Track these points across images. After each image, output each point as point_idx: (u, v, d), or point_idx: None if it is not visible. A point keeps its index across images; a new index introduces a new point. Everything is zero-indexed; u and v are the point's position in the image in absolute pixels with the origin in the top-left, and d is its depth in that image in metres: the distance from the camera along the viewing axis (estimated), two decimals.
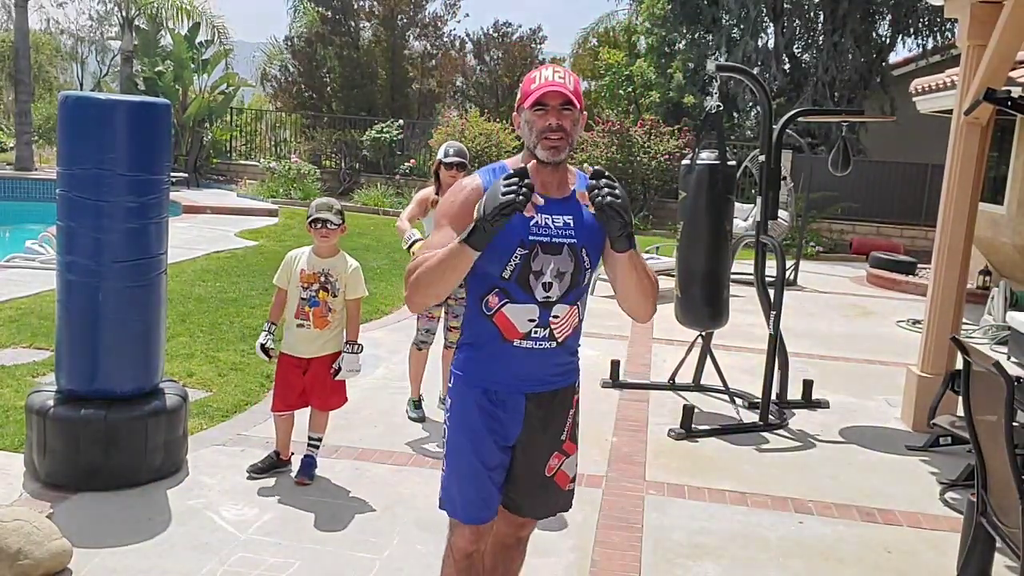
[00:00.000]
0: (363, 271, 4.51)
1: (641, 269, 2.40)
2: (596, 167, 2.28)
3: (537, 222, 2.41)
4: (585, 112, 2.44)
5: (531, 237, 2.39)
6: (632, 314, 2.54)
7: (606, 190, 2.24)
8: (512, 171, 2.23)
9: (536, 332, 2.46)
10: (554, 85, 2.34)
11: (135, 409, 4.18)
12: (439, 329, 5.49)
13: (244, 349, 6.65)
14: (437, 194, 5.24)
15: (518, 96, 2.45)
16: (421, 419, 5.43)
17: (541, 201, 2.27)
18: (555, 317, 2.46)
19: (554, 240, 2.41)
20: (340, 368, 4.33)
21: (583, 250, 2.44)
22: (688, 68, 18.49)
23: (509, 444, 2.58)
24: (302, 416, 4.53)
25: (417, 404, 5.50)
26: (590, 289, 2.63)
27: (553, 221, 2.43)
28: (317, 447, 4.49)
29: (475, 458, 2.56)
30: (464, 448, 2.58)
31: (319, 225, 4.24)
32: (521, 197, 2.18)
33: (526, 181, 2.20)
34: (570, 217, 2.44)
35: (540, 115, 2.36)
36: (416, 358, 5.50)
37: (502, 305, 2.43)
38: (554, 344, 2.49)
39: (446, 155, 5.23)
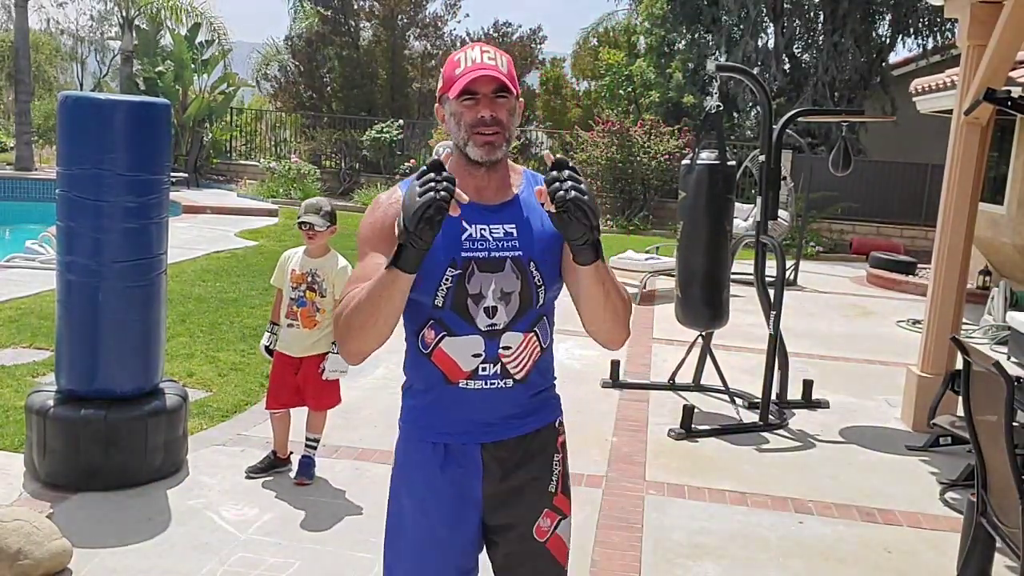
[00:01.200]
0: None
1: (610, 284, 1.93)
2: (558, 156, 1.83)
3: (471, 235, 1.97)
4: (522, 100, 2.03)
5: (464, 253, 1.96)
6: (601, 340, 2.04)
7: (569, 183, 1.77)
8: (425, 166, 1.79)
9: (484, 369, 2.00)
10: (484, 68, 1.92)
11: (135, 409, 4.18)
12: None
13: (244, 349, 6.65)
14: None
15: (439, 83, 2.02)
16: None
17: (465, 199, 1.78)
18: (506, 349, 2.00)
19: (493, 255, 1.97)
20: (325, 368, 4.34)
21: (531, 264, 2.00)
22: (688, 68, 18.50)
23: (476, 510, 2.08)
24: (300, 416, 4.53)
25: None
26: (554, 311, 2.12)
27: (491, 232, 1.99)
28: (315, 447, 4.49)
29: (427, 533, 2.09)
30: (413, 523, 2.12)
31: (305, 227, 4.26)
32: (443, 193, 1.74)
33: (443, 174, 1.77)
34: (512, 226, 2.01)
35: (469, 106, 1.94)
36: None
37: (439, 340, 1.99)
38: (510, 382, 2.03)
39: (438, 155, 5.20)
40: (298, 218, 4.31)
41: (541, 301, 2.02)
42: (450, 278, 1.95)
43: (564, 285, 2.08)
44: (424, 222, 1.73)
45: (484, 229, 1.99)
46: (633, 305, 2.18)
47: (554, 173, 1.80)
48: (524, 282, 1.99)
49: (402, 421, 2.15)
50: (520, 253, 1.99)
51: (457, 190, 1.77)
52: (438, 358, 2.00)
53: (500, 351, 2.00)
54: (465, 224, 1.98)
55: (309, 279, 4.30)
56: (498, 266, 1.98)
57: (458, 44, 22.98)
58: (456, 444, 2.05)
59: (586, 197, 1.78)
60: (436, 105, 2.07)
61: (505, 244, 1.99)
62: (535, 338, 2.04)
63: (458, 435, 2.05)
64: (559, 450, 2.17)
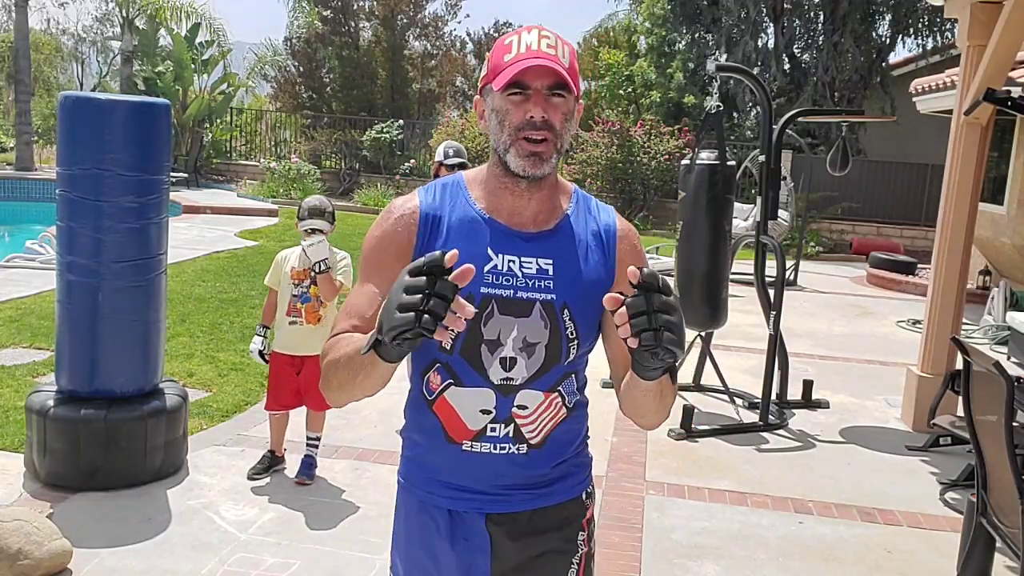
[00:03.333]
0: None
1: (668, 393, 1.58)
2: (646, 272, 1.35)
3: (496, 267, 1.62)
4: (582, 102, 1.67)
5: (484, 289, 1.60)
6: (638, 424, 1.72)
7: (662, 318, 1.34)
8: (424, 259, 1.31)
9: (494, 429, 1.67)
10: (540, 57, 1.55)
11: (135, 409, 4.18)
12: None
13: (244, 349, 6.65)
14: None
15: (482, 70, 1.66)
16: None
17: (471, 312, 1.32)
18: (521, 409, 1.66)
19: (519, 295, 1.62)
20: (315, 263, 4.20)
21: (565, 311, 1.63)
22: (688, 68, 18.50)
23: None
24: (300, 416, 4.53)
25: None
26: (585, 367, 1.77)
27: (522, 266, 1.63)
28: (316, 446, 4.49)
29: None
30: None
31: (312, 232, 4.24)
32: (427, 317, 1.29)
33: (440, 283, 1.30)
34: (548, 261, 1.64)
35: (517, 102, 1.57)
36: None
37: (445, 388, 1.67)
38: (523, 448, 1.68)
39: (446, 156, 5.18)
40: (299, 219, 4.30)
41: (571, 357, 1.67)
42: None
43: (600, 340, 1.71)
44: (400, 340, 1.32)
45: (513, 262, 1.63)
46: None
47: (640, 300, 1.34)
48: (553, 332, 1.63)
49: (400, 476, 1.82)
50: (553, 297, 1.63)
51: (457, 299, 1.30)
52: (441, 409, 1.68)
53: (514, 410, 1.66)
54: (491, 253, 1.63)
55: (312, 274, 4.26)
56: (524, 309, 1.62)
57: (458, 44, 22.96)
58: (457, 511, 1.73)
59: (678, 334, 1.36)
60: (476, 97, 1.69)
61: (537, 283, 1.63)
62: (558, 399, 1.69)
63: (459, 501, 1.72)
64: (584, 527, 1.79)
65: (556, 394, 1.69)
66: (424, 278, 1.30)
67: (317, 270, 4.18)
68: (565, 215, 1.70)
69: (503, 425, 1.67)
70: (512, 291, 1.62)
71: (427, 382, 1.70)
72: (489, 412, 1.66)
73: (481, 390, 1.65)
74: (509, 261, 1.63)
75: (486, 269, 1.62)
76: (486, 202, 1.67)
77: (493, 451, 1.68)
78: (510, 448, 1.68)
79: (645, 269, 1.36)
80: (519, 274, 1.63)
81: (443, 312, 1.29)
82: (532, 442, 1.69)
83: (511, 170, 1.61)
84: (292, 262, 4.35)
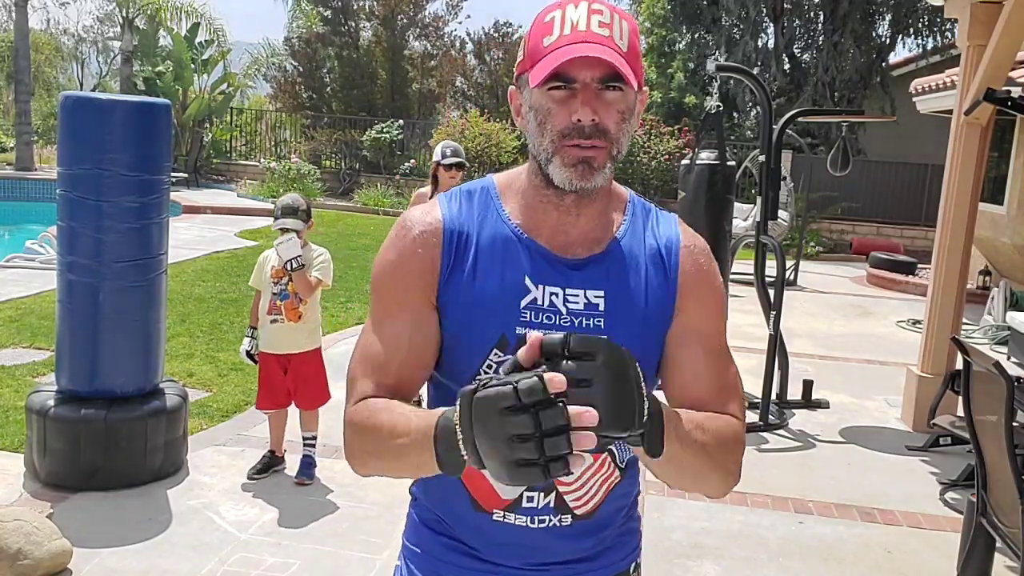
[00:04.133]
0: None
1: (692, 456, 1.25)
2: (545, 337, 1.07)
3: (536, 300, 1.32)
4: (646, 89, 1.34)
5: (520, 329, 1.30)
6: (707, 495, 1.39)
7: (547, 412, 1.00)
8: (520, 391, 0.99)
9: (531, 499, 1.37)
10: (590, 41, 1.22)
11: (135, 409, 4.18)
12: None
13: None
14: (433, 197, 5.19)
15: (519, 55, 1.33)
16: None
17: (593, 418, 1.00)
18: (566, 475, 1.21)
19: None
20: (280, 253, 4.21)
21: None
22: (688, 68, 18.50)
23: None
24: (297, 416, 4.54)
25: None
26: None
27: (567, 299, 1.33)
28: (313, 446, 4.50)
29: None
30: None
31: (283, 231, 4.26)
32: (555, 465, 1.00)
33: (548, 416, 0.99)
34: (599, 293, 1.34)
35: (561, 99, 1.25)
36: None
37: None
38: (568, 519, 1.39)
39: (443, 156, 5.14)
40: (274, 219, 4.33)
41: None
42: (494, 365, 1.31)
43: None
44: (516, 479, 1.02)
45: (556, 295, 1.33)
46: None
47: (510, 385, 1.00)
48: None
49: (406, 540, 1.51)
50: (607, 335, 1.27)
51: (578, 443, 0.99)
52: (468, 475, 1.27)
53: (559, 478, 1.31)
54: (530, 283, 1.32)
55: (294, 264, 4.25)
56: None
57: (458, 44, 22.90)
58: None
59: (598, 391, 1.04)
60: (511, 88, 1.37)
61: (585, 322, 1.33)
62: (609, 460, 1.40)
63: (488, 574, 1.43)
64: None
65: (606, 454, 1.39)
66: (526, 416, 0.98)
67: (290, 268, 4.20)
68: (619, 232, 1.38)
69: (543, 494, 1.37)
70: (554, 331, 1.25)
71: None
72: None
73: None
74: (551, 294, 1.33)
75: (523, 304, 1.32)
76: (523, 218, 1.36)
77: (530, 525, 1.38)
78: (550, 520, 1.38)
79: (545, 336, 1.05)
80: (563, 310, 1.32)
81: (567, 447, 0.99)
82: (578, 512, 1.39)
83: (554, 183, 1.29)
84: (272, 261, 4.38)
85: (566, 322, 1.32)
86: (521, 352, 1.08)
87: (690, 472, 1.28)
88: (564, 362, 1.03)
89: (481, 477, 1.28)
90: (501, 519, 1.39)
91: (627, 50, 1.25)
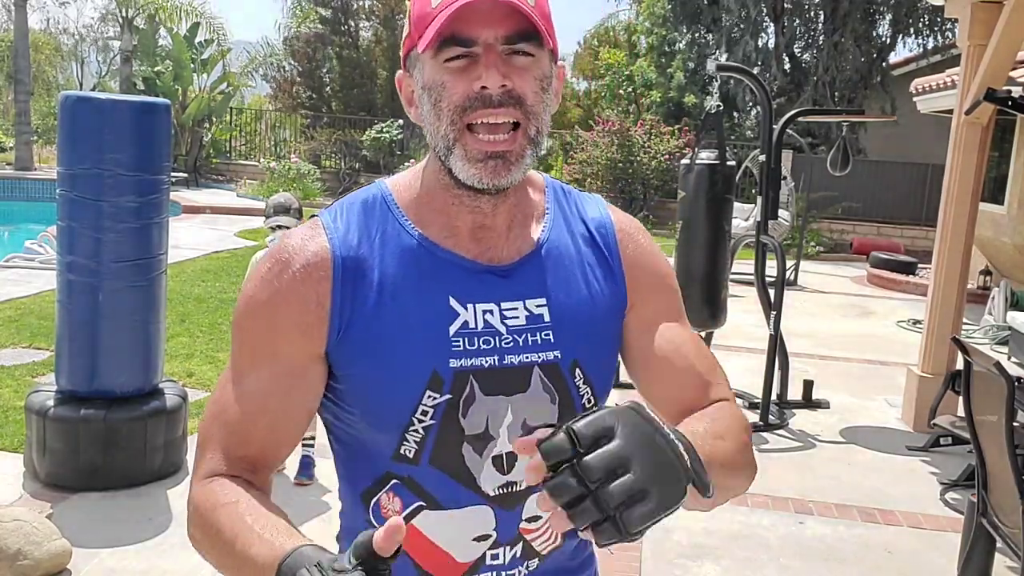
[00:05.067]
0: None
1: (729, 474, 1.07)
2: (546, 444, 0.82)
3: (467, 324, 1.10)
4: (563, 63, 1.13)
5: (455, 361, 1.09)
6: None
7: (612, 490, 0.80)
8: (352, 550, 0.85)
9: (496, 556, 1.16)
10: None
11: (135, 409, 4.18)
12: None
13: None
14: None
15: (405, 30, 1.10)
16: None
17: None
18: (532, 520, 1.16)
19: (508, 360, 1.11)
20: None
21: (577, 371, 1.14)
22: (688, 68, 18.50)
23: None
24: None
25: None
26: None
27: (504, 316, 1.11)
28: (312, 445, 4.49)
29: None
30: None
31: (279, 229, 4.27)
32: None
33: None
34: (540, 301, 1.13)
35: (458, 69, 1.03)
36: None
37: (413, 514, 1.13)
38: (534, 563, 1.19)
39: None
40: (266, 218, 4.34)
41: None
42: (430, 411, 1.08)
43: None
44: None
45: (490, 312, 1.11)
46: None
47: (566, 477, 0.81)
48: (565, 405, 1.13)
49: None
50: (557, 354, 1.12)
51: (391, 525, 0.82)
52: (411, 543, 1.12)
53: (523, 526, 1.16)
54: (456, 305, 1.10)
55: None
56: (518, 381, 1.11)
57: None
58: None
59: (648, 503, 0.81)
60: (399, 74, 1.13)
61: (530, 339, 1.11)
62: None
63: None
64: None
65: None
66: None
67: None
68: (545, 223, 1.16)
69: (508, 547, 1.16)
70: (497, 357, 1.09)
71: (376, 507, 1.15)
72: (488, 536, 1.14)
73: (472, 509, 1.12)
74: (485, 312, 1.10)
75: (453, 332, 1.09)
76: (431, 226, 1.11)
77: None
78: (519, 571, 1.18)
79: (545, 439, 0.82)
80: (502, 329, 1.10)
81: None
82: (547, 551, 1.20)
83: (463, 182, 1.06)
84: None
85: (508, 344, 1.10)
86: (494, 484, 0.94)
87: (729, 487, 1.08)
88: (583, 460, 0.80)
89: (431, 547, 1.13)
90: None
91: (534, 5, 1.01)
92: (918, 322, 8.75)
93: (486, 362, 1.09)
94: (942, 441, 5.45)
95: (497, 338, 1.10)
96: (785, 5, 18.23)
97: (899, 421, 6.07)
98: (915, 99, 12.01)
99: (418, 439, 1.09)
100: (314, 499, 4.22)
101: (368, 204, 1.13)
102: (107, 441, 4.10)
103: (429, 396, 1.08)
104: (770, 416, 5.71)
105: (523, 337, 1.11)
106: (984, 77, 5.36)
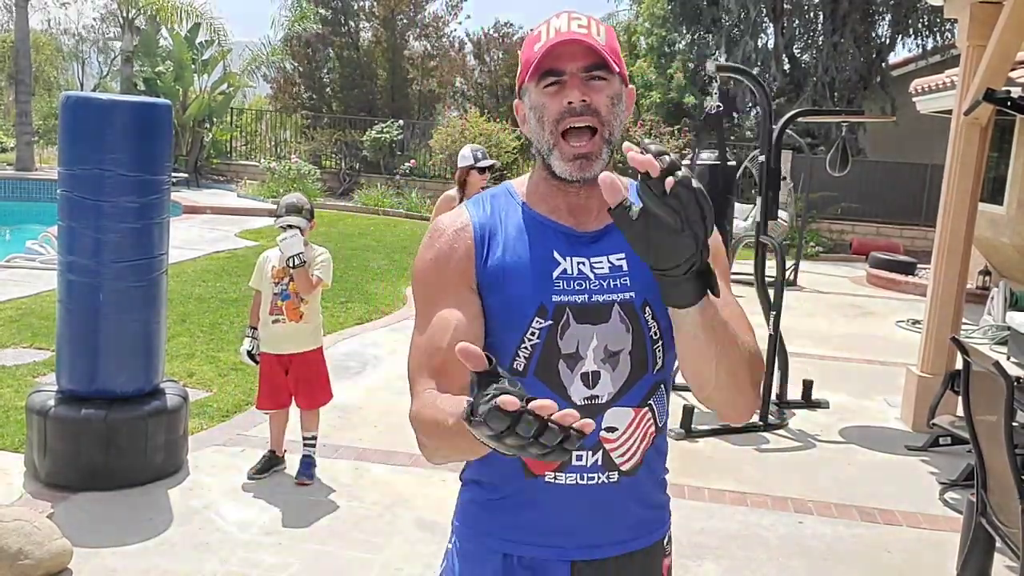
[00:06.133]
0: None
1: (723, 332, 1.34)
2: (648, 143, 1.20)
3: (566, 271, 1.47)
4: (632, 87, 1.51)
5: (556, 297, 1.45)
6: (718, 410, 1.47)
7: (679, 174, 1.17)
8: (500, 401, 1.06)
9: (580, 458, 1.48)
10: (571, 35, 1.40)
11: (135, 409, 4.19)
12: None
13: None
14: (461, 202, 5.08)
15: (519, 72, 1.50)
16: None
17: (591, 424, 1.08)
18: (610, 431, 1.48)
19: (595, 298, 1.46)
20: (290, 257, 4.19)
21: (647, 309, 1.47)
22: (688, 68, 18.51)
23: None
24: (296, 416, 4.54)
25: None
26: (673, 375, 1.59)
27: (593, 267, 1.47)
28: (313, 445, 4.50)
29: None
30: None
31: (288, 228, 4.26)
32: (557, 450, 1.07)
33: (522, 421, 1.06)
34: (620, 256, 1.48)
35: (553, 92, 1.42)
36: None
37: None
38: (615, 475, 1.50)
39: (476, 159, 4.98)
40: (277, 216, 4.34)
41: (660, 363, 1.50)
42: (536, 332, 1.44)
43: None
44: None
45: (583, 264, 1.47)
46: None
47: (645, 158, 1.17)
48: (637, 336, 1.47)
49: (457, 521, 1.61)
50: (632, 295, 1.47)
51: (582, 423, 1.07)
52: None
53: (602, 434, 1.48)
54: (558, 256, 1.48)
55: (292, 272, 4.26)
56: (602, 314, 1.46)
57: (457, 45, 22.92)
58: (538, 558, 1.52)
59: (696, 195, 1.17)
60: (515, 102, 1.54)
61: (612, 283, 1.47)
62: (649, 415, 1.52)
63: (541, 546, 1.51)
64: None
65: (647, 409, 1.51)
66: (509, 436, 1.06)
67: (292, 264, 4.20)
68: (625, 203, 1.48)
69: (591, 452, 1.48)
70: (587, 295, 1.46)
71: None
72: None
73: None
74: (579, 264, 1.47)
75: (555, 275, 1.46)
76: (542, 205, 1.52)
77: (580, 482, 1.49)
78: (599, 477, 1.49)
79: (649, 142, 1.20)
80: (591, 276, 1.46)
81: (561, 436, 1.06)
82: (625, 469, 1.50)
83: (558, 176, 1.45)
84: (273, 262, 4.39)
85: (595, 286, 1.47)
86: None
87: (726, 365, 1.34)
88: (666, 158, 1.18)
89: None
90: (552, 480, 1.49)
91: (605, 44, 1.42)
92: (917, 322, 8.75)
93: (579, 299, 1.46)
94: (941, 441, 5.45)
95: (587, 282, 1.47)
96: (785, 6, 18.23)
97: (898, 421, 6.07)
98: (915, 99, 12.02)
99: (527, 354, 1.45)
100: (315, 499, 4.22)
101: (496, 195, 1.58)
102: (108, 441, 4.10)
103: (537, 321, 1.45)
104: (770, 416, 5.72)
105: (607, 282, 1.47)
106: (983, 77, 5.37)
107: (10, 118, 22.69)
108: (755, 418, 5.78)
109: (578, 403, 1.45)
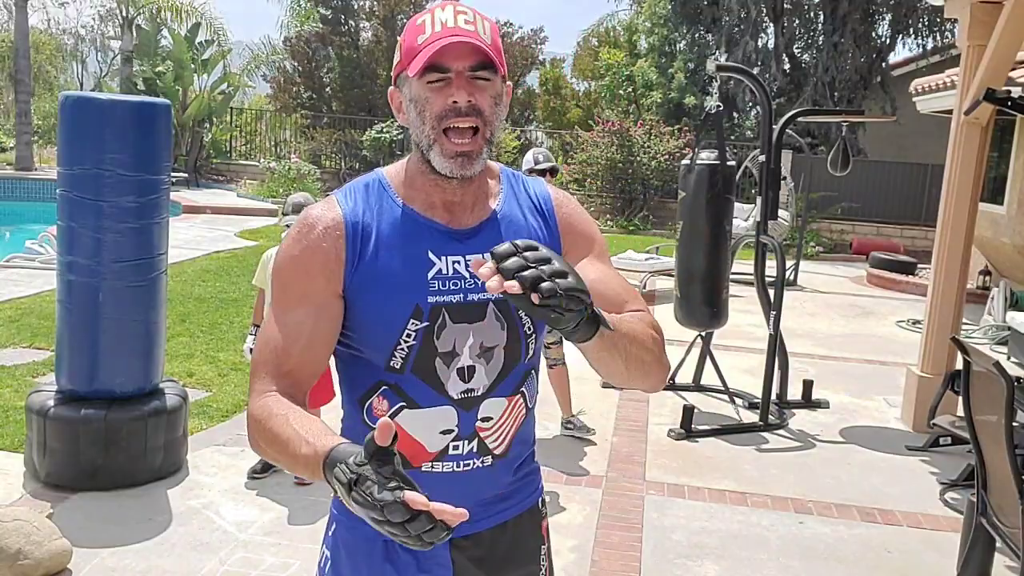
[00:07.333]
0: None
1: (627, 341, 1.40)
2: (496, 249, 1.23)
3: (440, 271, 1.48)
4: (510, 84, 1.51)
5: (432, 298, 1.47)
6: (642, 388, 1.55)
7: (548, 268, 1.21)
8: (407, 498, 1.11)
9: (456, 447, 1.52)
10: (459, 34, 1.39)
11: (135, 409, 4.18)
12: None
13: (243, 349, 6.65)
14: None
15: (396, 58, 1.48)
16: None
17: (465, 515, 1.14)
18: (485, 420, 1.53)
19: (471, 298, 1.49)
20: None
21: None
22: (688, 68, 18.51)
23: None
24: None
25: None
26: (542, 360, 1.66)
27: (467, 265, 1.48)
28: None
29: None
30: None
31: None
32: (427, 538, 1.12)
33: (415, 525, 1.11)
34: None
35: (437, 88, 1.41)
36: None
37: (396, 413, 1.50)
38: (488, 459, 1.55)
39: (536, 162, 4.99)
40: (283, 215, 4.35)
41: (531, 353, 1.56)
42: (413, 333, 1.46)
43: None
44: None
45: (457, 262, 1.48)
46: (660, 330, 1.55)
47: (511, 255, 1.21)
48: (511, 332, 1.51)
49: (335, 510, 1.63)
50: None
51: (451, 513, 1.12)
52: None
53: (478, 424, 1.52)
54: (432, 256, 1.48)
55: None
56: (478, 313, 1.49)
57: None
58: None
59: (564, 286, 1.20)
60: (391, 89, 1.51)
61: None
62: (521, 401, 1.58)
63: None
64: (544, 538, 1.70)
65: (519, 396, 1.57)
66: (392, 527, 1.11)
67: None
68: (500, 198, 1.56)
69: (466, 441, 1.53)
70: (462, 295, 1.48)
71: (369, 409, 1.51)
72: (451, 431, 1.51)
73: (440, 409, 1.50)
74: (453, 262, 1.48)
75: (430, 276, 1.47)
76: (415, 201, 1.51)
77: (456, 469, 1.53)
78: (475, 463, 1.54)
79: (499, 246, 1.22)
80: (466, 274, 1.48)
81: (437, 532, 1.11)
82: (496, 452, 1.56)
83: (438, 171, 1.44)
84: None
85: (470, 285, 1.48)
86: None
87: (636, 365, 1.42)
88: (523, 255, 1.21)
89: (408, 438, 1.49)
90: (431, 470, 1.53)
91: (491, 44, 1.42)
92: (917, 322, 8.75)
93: (454, 299, 1.48)
94: (941, 441, 5.45)
95: (462, 281, 1.49)
96: (785, 5, 18.23)
97: (899, 421, 6.07)
98: (915, 99, 12.01)
99: (403, 355, 1.47)
100: (314, 498, 4.22)
101: (369, 186, 1.53)
102: (107, 441, 4.10)
103: (413, 323, 1.46)
104: (770, 416, 5.71)
105: (480, 281, 1.36)
106: (984, 77, 5.37)
107: (10, 118, 22.68)
108: (755, 418, 5.79)
109: (455, 397, 1.50)
